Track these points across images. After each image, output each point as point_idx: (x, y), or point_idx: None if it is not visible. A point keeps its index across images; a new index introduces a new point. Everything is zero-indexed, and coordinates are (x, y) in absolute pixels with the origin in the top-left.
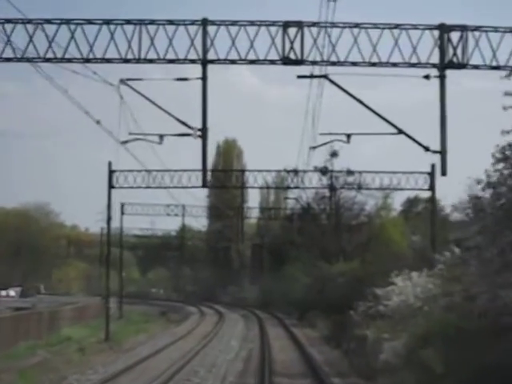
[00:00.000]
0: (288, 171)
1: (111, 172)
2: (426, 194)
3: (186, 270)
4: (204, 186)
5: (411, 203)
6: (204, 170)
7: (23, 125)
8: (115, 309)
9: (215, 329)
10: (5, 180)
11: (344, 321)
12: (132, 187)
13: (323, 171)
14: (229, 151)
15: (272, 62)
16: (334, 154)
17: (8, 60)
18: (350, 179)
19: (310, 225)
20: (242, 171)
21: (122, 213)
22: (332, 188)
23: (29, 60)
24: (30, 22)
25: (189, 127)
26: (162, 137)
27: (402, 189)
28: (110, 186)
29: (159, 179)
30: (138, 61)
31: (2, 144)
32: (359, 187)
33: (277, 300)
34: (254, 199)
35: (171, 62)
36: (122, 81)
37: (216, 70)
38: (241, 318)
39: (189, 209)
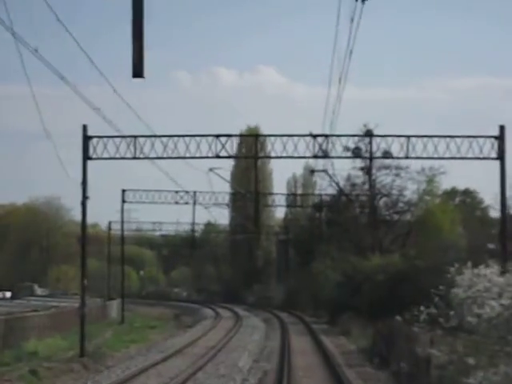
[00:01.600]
0: (315, 135)
1: (87, 138)
2: (463, 186)
3: (209, 269)
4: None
5: (448, 195)
6: None
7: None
8: (119, 312)
9: (226, 338)
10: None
11: (391, 330)
12: (115, 158)
13: (356, 152)
14: (251, 139)
15: None
16: (368, 133)
17: None
18: (388, 162)
19: (341, 214)
20: (257, 136)
21: (123, 201)
22: (368, 171)
23: None
24: None
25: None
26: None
27: (461, 158)
28: (86, 157)
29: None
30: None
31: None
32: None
33: (304, 300)
34: (280, 187)
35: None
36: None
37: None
38: (261, 322)
39: (201, 196)
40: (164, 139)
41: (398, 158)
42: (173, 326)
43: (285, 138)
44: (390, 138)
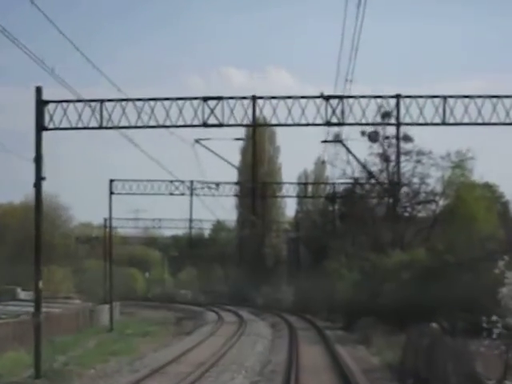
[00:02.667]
0: (327, 97)
1: (41, 104)
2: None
3: (217, 270)
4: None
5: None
6: None
7: None
8: (115, 316)
9: (224, 348)
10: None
11: (432, 342)
12: (77, 128)
13: (373, 136)
14: (260, 133)
15: None
16: (385, 115)
17: None
18: (408, 146)
19: (357, 206)
20: (254, 98)
21: (111, 192)
22: (385, 158)
23: None
24: None
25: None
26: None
27: (503, 123)
28: (40, 127)
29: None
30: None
31: None
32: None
33: (316, 303)
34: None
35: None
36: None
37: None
38: (268, 328)
39: (199, 186)
40: (139, 104)
41: (433, 124)
42: (169, 333)
43: (290, 102)
44: (421, 100)
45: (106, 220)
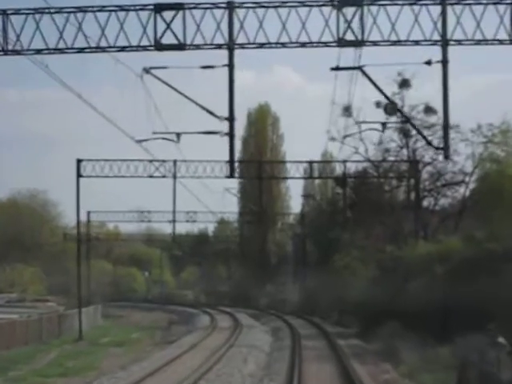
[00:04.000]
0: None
1: None
2: None
3: (220, 269)
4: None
5: None
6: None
7: None
8: (96, 321)
9: (207, 363)
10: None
11: None
12: None
13: (389, 108)
14: (262, 119)
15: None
16: (404, 84)
17: None
18: (432, 119)
19: (371, 191)
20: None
21: (79, 175)
22: (405, 133)
23: None
24: None
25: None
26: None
27: None
28: None
29: None
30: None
31: None
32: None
33: (325, 304)
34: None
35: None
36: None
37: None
38: (267, 335)
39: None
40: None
41: (495, 40)
42: (151, 342)
43: (284, 11)
44: (479, 8)
45: (88, 213)
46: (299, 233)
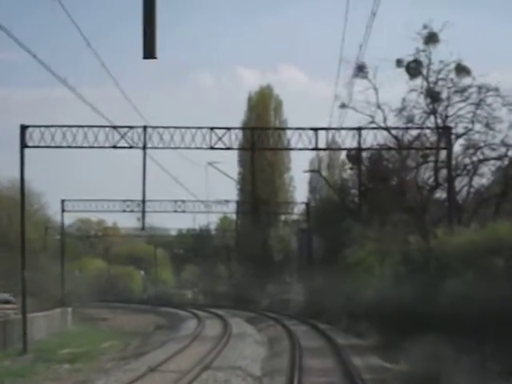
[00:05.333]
0: None
1: None
2: None
3: (220, 268)
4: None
5: None
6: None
7: None
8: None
9: None
10: None
11: None
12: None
13: (412, 67)
14: (263, 103)
15: None
16: (431, 38)
17: None
18: (466, 81)
19: (391, 169)
20: None
21: (24, 145)
22: (433, 97)
23: None
24: None
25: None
26: None
27: None
28: None
29: None
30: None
31: None
32: None
33: (334, 306)
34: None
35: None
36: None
37: None
38: (260, 347)
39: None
40: None
41: None
42: (116, 356)
43: None
44: None
45: (63, 202)
46: (304, 227)
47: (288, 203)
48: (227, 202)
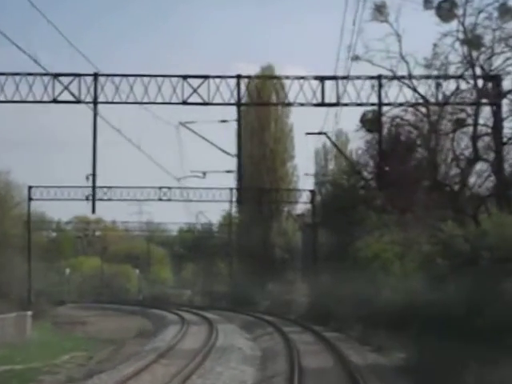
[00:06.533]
0: None
1: None
2: None
3: (220, 266)
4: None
5: None
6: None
7: None
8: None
9: None
10: None
11: None
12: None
13: (443, 8)
14: (265, 85)
15: None
16: None
17: None
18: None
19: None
20: None
21: None
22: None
23: None
24: None
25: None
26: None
27: None
28: None
29: None
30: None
31: None
32: None
33: (343, 309)
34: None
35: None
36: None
37: None
38: (253, 367)
39: None
40: None
41: None
42: (65, 376)
43: None
44: None
45: (30, 189)
46: (309, 222)
47: (290, 190)
48: (204, 174)
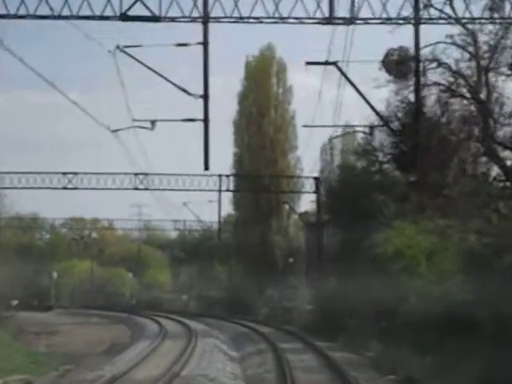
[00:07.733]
0: None
1: None
2: None
3: (218, 270)
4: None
5: None
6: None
7: None
8: None
9: None
10: None
11: None
12: None
13: None
14: (264, 68)
15: None
16: None
17: None
18: None
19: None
20: None
21: None
22: None
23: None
24: None
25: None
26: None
27: None
28: None
29: None
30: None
31: None
32: None
33: (355, 319)
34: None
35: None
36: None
37: None
38: None
39: None
40: None
41: None
42: None
43: None
44: None
45: None
46: (313, 221)
47: (291, 177)
48: (153, 123)
